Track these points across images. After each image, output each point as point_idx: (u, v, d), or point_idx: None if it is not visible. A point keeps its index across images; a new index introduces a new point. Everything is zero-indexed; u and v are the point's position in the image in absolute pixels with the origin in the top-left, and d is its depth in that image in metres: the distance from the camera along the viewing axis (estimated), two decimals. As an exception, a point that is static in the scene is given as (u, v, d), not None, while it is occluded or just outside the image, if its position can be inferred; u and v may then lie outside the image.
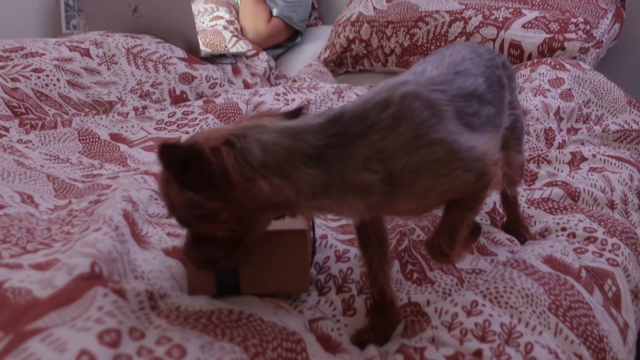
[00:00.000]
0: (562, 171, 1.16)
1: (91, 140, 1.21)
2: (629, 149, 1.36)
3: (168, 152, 0.52)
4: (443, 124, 0.56)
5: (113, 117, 1.36)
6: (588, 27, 1.58)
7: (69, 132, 1.22)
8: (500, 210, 0.97)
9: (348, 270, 0.75)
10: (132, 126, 1.31)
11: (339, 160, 0.54)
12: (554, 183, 1.07)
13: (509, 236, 0.91)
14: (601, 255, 0.85)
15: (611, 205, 1.02)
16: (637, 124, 1.39)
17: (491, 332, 0.61)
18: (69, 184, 0.96)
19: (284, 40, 2.12)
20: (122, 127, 1.30)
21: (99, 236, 0.62)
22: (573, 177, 1.09)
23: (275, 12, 2.05)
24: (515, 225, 0.93)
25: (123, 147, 1.22)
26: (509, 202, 0.93)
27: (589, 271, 0.81)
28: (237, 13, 2.10)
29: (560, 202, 1.01)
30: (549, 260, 0.79)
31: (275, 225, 0.65)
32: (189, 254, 0.58)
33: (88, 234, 0.63)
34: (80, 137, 1.21)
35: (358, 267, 0.75)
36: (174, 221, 0.82)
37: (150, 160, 1.15)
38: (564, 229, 0.92)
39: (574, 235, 0.90)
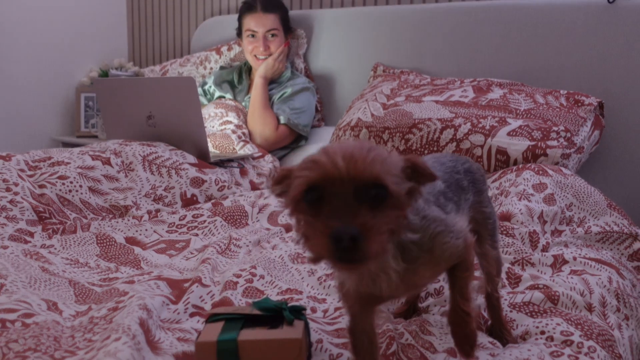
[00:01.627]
0: (545, 273, 1.24)
1: (108, 243, 1.31)
2: (611, 250, 1.45)
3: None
4: (432, 208, 0.74)
5: (128, 220, 1.47)
6: (569, 135, 1.71)
7: (87, 236, 1.32)
8: (485, 313, 1.05)
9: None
10: (146, 229, 1.42)
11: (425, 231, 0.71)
12: (536, 286, 1.15)
13: (491, 339, 0.98)
14: (577, 359, 0.92)
15: (589, 308, 1.10)
16: (617, 225, 1.48)
17: None
18: (89, 288, 1.05)
19: (289, 143, 2.27)
20: (136, 231, 1.40)
21: (119, 346, 0.70)
22: (554, 281, 1.17)
23: (282, 119, 2.21)
24: (499, 329, 1.01)
25: (137, 249, 1.32)
26: (493, 304, 1.01)
27: (564, 375, 0.88)
28: (245, 117, 2.26)
29: (541, 306, 1.08)
30: (525, 366, 0.86)
31: (272, 334, 0.74)
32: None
33: (109, 343, 0.72)
34: (98, 241, 1.31)
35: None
36: (183, 326, 0.91)
37: (162, 263, 1.25)
38: (542, 332, 0.99)
39: (552, 338, 0.98)
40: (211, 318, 0.80)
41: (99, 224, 1.42)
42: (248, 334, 0.73)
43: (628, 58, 1.90)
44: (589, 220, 1.51)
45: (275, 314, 0.79)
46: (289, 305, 0.81)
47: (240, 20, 2.39)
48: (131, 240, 1.36)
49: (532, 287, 1.15)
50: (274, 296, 1.08)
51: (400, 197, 0.60)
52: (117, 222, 1.45)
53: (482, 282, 1.01)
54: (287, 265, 1.22)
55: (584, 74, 1.97)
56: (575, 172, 1.75)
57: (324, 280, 1.15)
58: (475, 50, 2.17)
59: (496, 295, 1.00)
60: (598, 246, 1.44)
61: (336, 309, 1.05)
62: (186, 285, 1.05)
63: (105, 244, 1.31)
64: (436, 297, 1.13)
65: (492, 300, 1.00)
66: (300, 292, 1.12)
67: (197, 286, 1.02)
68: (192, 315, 0.96)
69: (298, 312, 0.80)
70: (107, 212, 1.51)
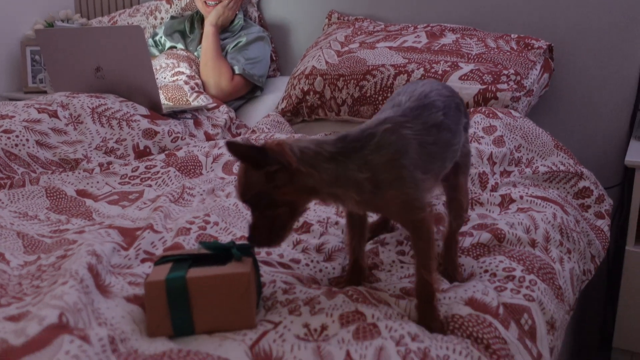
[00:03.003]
0: (493, 212, 1.28)
1: (58, 196, 1.29)
2: (557, 188, 1.50)
3: (253, 151, 0.75)
4: (409, 153, 0.82)
5: (79, 173, 1.44)
6: (518, 78, 1.74)
7: (36, 189, 1.30)
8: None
9: (295, 299, 0.85)
10: (97, 182, 1.40)
11: (344, 162, 0.79)
12: (484, 225, 1.18)
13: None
14: (518, 292, 0.96)
15: (532, 243, 1.13)
16: (564, 165, 1.53)
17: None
18: (38, 239, 1.04)
19: (245, 94, 2.25)
20: (87, 183, 1.38)
21: (65, 289, 0.70)
22: (503, 218, 1.21)
23: (237, 69, 2.17)
24: (451, 271, 1.04)
25: (89, 201, 1.30)
26: (450, 247, 1.04)
27: (507, 307, 0.91)
28: (198, 68, 2.21)
29: (488, 244, 1.11)
30: (470, 302, 0.89)
31: (220, 270, 0.75)
32: (255, 238, 0.79)
33: (56, 287, 0.72)
34: (48, 194, 1.29)
35: (302, 296, 0.85)
36: (134, 270, 0.91)
37: (115, 214, 1.24)
38: (486, 271, 1.03)
39: (495, 275, 1.01)
40: (160, 260, 0.80)
41: (49, 178, 1.40)
42: (196, 272, 0.74)
43: (578, 2, 1.93)
44: (536, 160, 1.55)
45: (223, 253, 0.80)
46: (237, 244, 0.82)
47: (189, -34, 2.31)
48: (82, 193, 1.34)
49: (481, 227, 1.18)
50: (227, 241, 1.09)
51: (262, 199, 0.78)
52: (68, 175, 1.43)
53: (447, 221, 1.05)
54: (241, 212, 1.22)
55: (534, 17, 1.99)
56: (525, 115, 1.79)
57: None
58: (429, -4, 2.17)
59: (456, 239, 1.03)
60: (545, 185, 1.49)
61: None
62: (138, 233, 1.05)
63: (55, 197, 1.29)
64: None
65: (451, 242, 1.03)
66: (254, 237, 1.12)
67: (148, 232, 1.02)
68: (143, 260, 0.96)
69: (246, 250, 0.81)
70: (56, 166, 1.48)
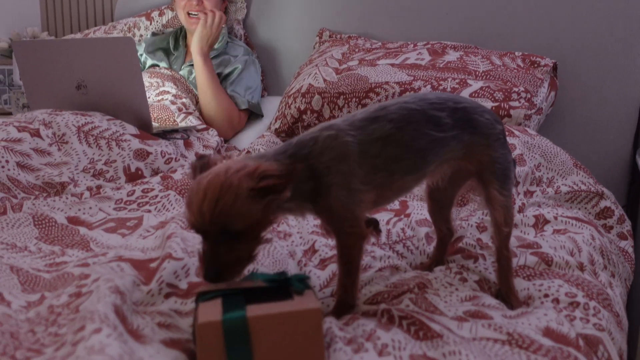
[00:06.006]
0: (528, 234, 1.19)
1: (47, 224, 1.14)
2: (579, 209, 1.43)
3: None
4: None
5: (67, 198, 1.29)
6: (529, 96, 1.68)
7: (22, 217, 1.14)
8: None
9: (354, 337, 0.73)
10: (90, 207, 1.25)
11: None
12: (525, 245, 1.09)
13: (497, 301, 0.91)
14: (588, 321, 0.87)
15: (581, 267, 1.05)
16: (584, 184, 1.46)
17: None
18: (34, 274, 0.89)
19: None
20: (79, 210, 1.23)
21: (103, 339, 0.56)
22: (545, 240, 1.12)
23: (242, 104, 2.07)
24: (506, 292, 0.93)
25: (83, 230, 1.15)
26: (501, 264, 0.94)
27: (583, 339, 0.82)
28: (184, 87, 2.08)
29: (536, 268, 1.03)
30: (548, 333, 0.79)
31: (286, 306, 0.62)
32: (220, 273, 0.69)
33: (87, 335, 0.57)
34: (36, 222, 1.13)
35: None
36: (160, 308, 0.77)
37: (116, 244, 1.09)
38: (546, 295, 0.93)
39: (557, 301, 0.92)
40: (202, 297, 0.67)
41: (33, 204, 1.24)
42: (257, 309, 0.61)
43: (579, 21, 1.90)
44: (557, 180, 1.48)
45: (277, 286, 0.68)
46: (293, 275, 0.69)
47: (173, -25, 2.19)
48: (74, 220, 1.19)
49: (521, 247, 1.09)
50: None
51: (249, 229, 0.70)
52: (54, 200, 1.27)
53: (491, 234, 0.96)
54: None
55: (537, 36, 1.95)
56: (535, 134, 1.72)
57: (305, 265, 1.03)
58: (424, 14, 2.11)
59: (506, 254, 0.93)
60: (567, 206, 1.42)
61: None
62: (153, 265, 0.91)
63: (44, 225, 1.13)
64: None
65: (501, 259, 0.93)
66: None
67: (168, 262, 0.88)
68: (167, 295, 0.82)
69: (302, 282, 0.69)
70: (40, 191, 1.32)
